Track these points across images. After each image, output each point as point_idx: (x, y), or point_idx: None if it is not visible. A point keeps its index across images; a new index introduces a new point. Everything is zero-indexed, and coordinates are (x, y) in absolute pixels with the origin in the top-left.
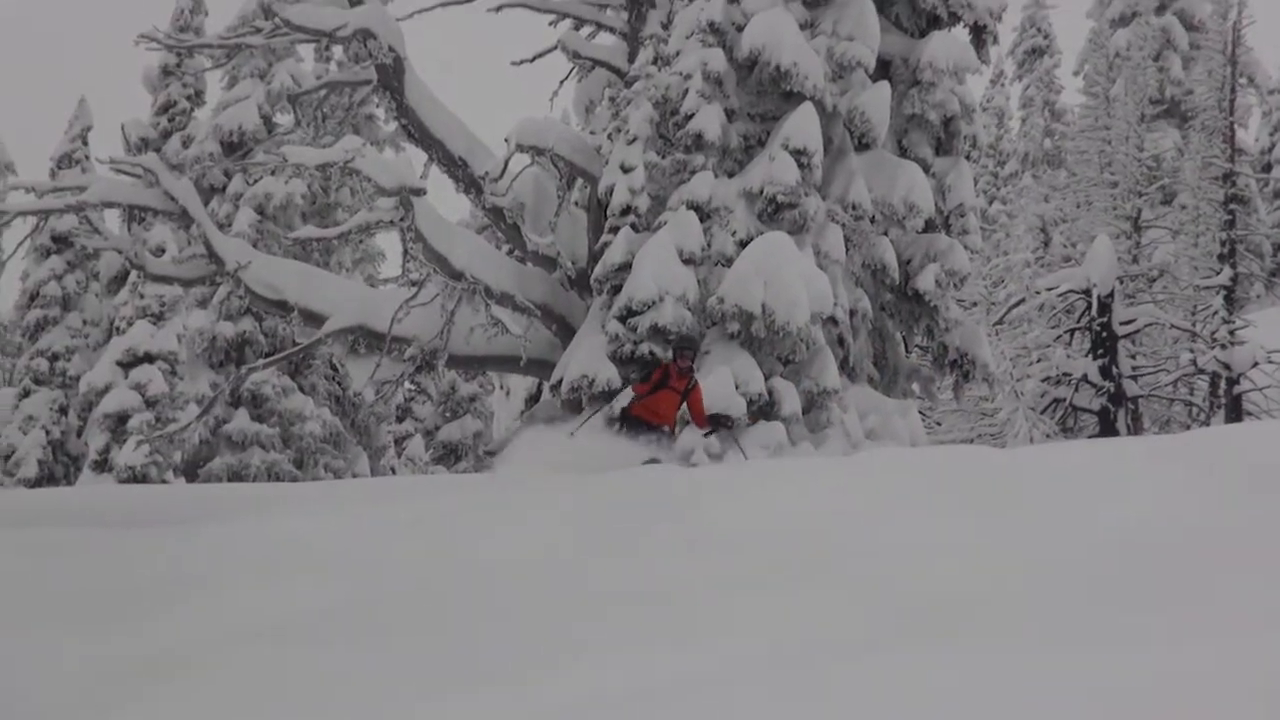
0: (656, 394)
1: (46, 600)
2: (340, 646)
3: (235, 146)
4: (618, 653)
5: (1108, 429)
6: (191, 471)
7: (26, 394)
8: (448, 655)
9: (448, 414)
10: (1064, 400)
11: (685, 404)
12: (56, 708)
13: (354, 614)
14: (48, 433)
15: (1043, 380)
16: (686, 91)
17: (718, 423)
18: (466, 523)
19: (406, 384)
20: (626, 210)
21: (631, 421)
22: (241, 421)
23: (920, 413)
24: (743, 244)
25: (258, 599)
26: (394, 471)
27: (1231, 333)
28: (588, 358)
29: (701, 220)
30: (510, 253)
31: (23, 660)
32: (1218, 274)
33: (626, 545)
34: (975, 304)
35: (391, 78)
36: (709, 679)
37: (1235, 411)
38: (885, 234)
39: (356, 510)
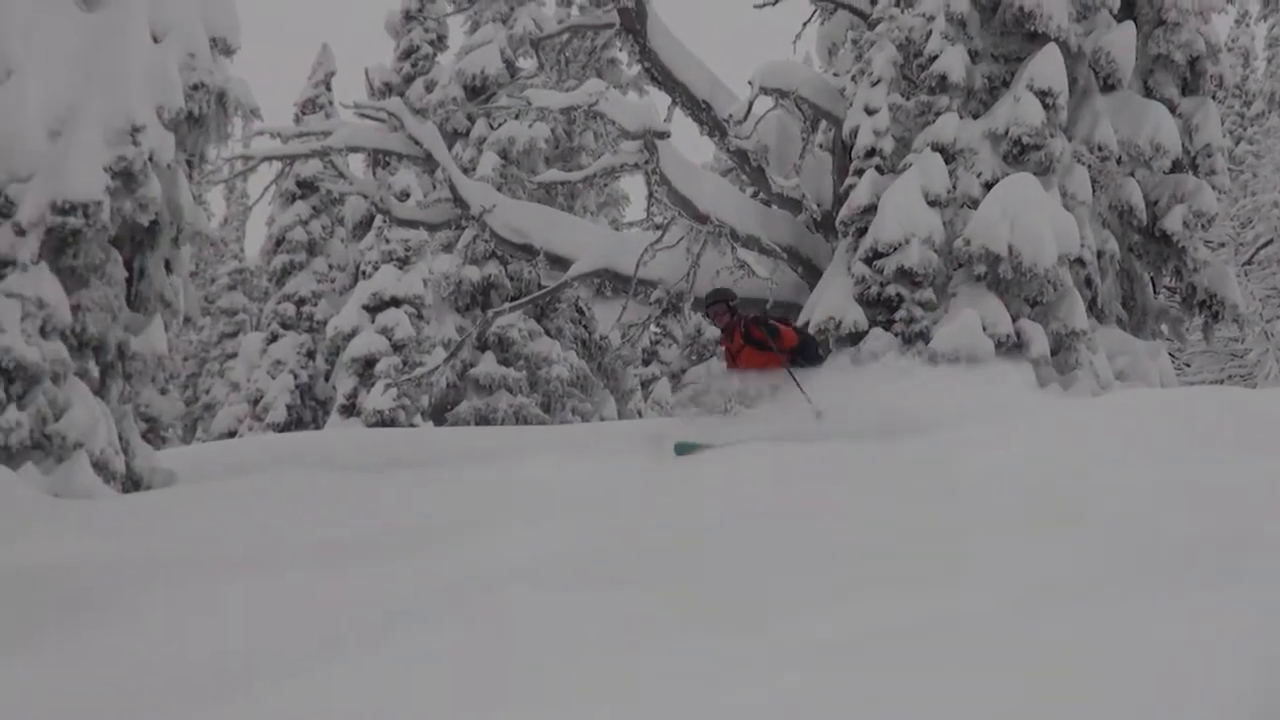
0: (738, 365)
1: (301, 542)
2: (599, 590)
3: (478, 91)
4: (860, 599)
5: None
6: (439, 415)
7: (274, 338)
8: (700, 599)
9: (693, 357)
10: None
11: (762, 344)
12: (307, 649)
13: (611, 557)
14: (295, 377)
15: None
16: (930, 33)
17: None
18: (717, 467)
19: (652, 327)
20: (871, 152)
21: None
22: (488, 365)
23: (1169, 354)
24: (988, 185)
25: (514, 541)
26: (640, 415)
27: None
28: (834, 300)
29: (946, 162)
30: (755, 195)
31: (274, 603)
32: None
33: (874, 491)
34: (1223, 244)
35: (634, 21)
36: (953, 621)
37: None
38: (1131, 175)
39: (610, 454)
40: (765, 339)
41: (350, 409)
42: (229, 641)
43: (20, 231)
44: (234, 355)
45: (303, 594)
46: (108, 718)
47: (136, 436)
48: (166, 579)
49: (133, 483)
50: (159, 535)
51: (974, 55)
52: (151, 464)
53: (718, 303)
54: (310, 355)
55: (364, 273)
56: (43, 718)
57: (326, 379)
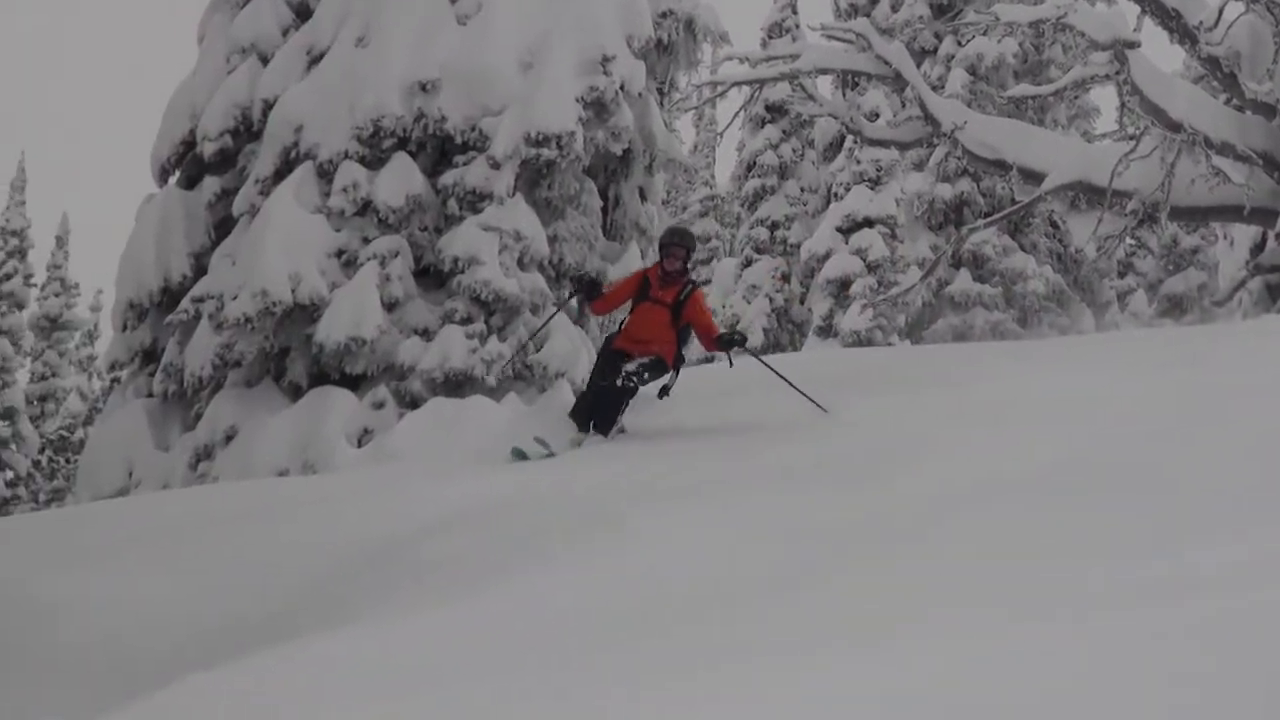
0: (637, 311)
1: (775, 463)
2: (1069, 501)
3: (945, 8)
4: None
5: None
6: (915, 333)
7: (748, 263)
8: (1178, 508)
9: (1170, 267)
10: None
11: (681, 319)
12: (786, 572)
13: (1088, 469)
14: (770, 300)
15: None
16: None
17: (730, 343)
18: (1203, 379)
19: (1128, 238)
20: None
21: (609, 359)
22: (964, 282)
23: None
24: None
25: (994, 456)
26: (1118, 327)
27: None
28: None
29: None
30: (1227, 102)
31: (748, 524)
32: None
33: None
34: None
35: None
36: None
37: None
38: None
39: (1098, 366)
40: (695, 314)
41: (827, 330)
42: (710, 565)
43: (495, 165)
44: (708, 281)
45: (779, 514)
46: (598, 636)
47: None
48: (653, 502)
49: None
50: (645, 459)
51: None
52: None
53: (679, 245)
54: (785, 278)
55: (836, 194)
56: (547, 637)
57: (801, 301)
